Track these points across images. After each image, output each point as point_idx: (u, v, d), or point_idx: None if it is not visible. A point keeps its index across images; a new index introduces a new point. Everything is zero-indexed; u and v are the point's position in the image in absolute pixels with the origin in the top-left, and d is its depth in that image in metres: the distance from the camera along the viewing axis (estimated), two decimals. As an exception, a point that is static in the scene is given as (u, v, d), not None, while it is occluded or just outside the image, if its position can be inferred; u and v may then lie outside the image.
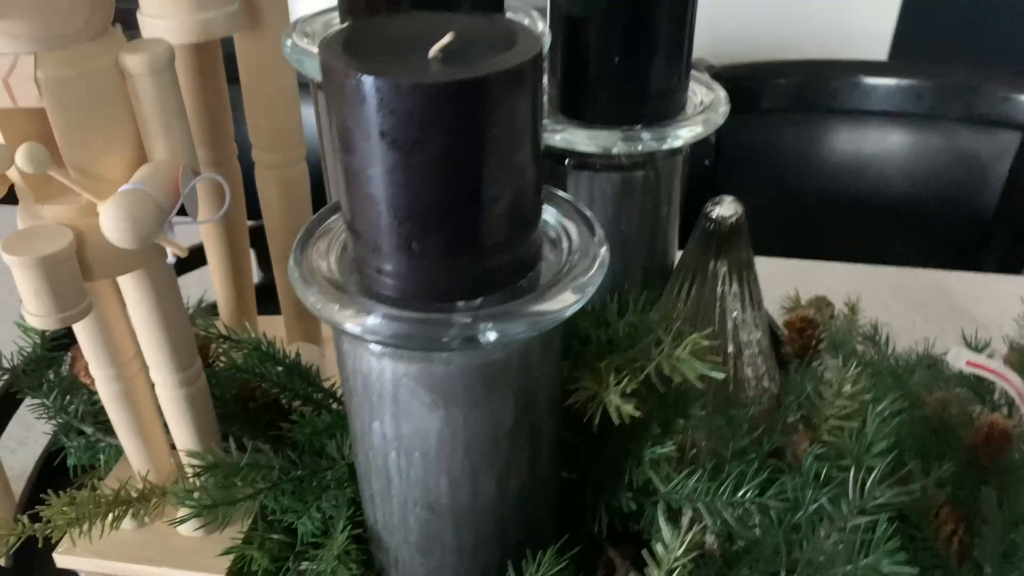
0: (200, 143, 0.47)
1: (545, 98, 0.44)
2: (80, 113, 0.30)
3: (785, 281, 0.74)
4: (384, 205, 0.28)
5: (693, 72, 0.45)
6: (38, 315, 0.32)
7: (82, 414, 0.45)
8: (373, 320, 0.29)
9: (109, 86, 0.31)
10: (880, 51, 1.82)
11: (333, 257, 0.32)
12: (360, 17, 0.37)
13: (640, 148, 0.41)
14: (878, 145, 1.08)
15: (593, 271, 0.31)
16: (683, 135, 0.42)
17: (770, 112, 1.06)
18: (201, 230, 0.50)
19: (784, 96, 1.05)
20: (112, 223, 0.30)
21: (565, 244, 0.33)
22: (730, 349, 0.40)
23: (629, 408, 0.33)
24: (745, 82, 1.04)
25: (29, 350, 0.48)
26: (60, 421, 0.46)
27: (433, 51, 0.28)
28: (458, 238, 0.29)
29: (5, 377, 0.46)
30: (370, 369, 0.31)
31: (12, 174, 0.32)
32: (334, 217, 0.33)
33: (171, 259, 0.33)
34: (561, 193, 0.35)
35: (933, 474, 0.42)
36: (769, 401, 0.41)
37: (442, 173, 0.27)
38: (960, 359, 0.54)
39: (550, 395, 0.34)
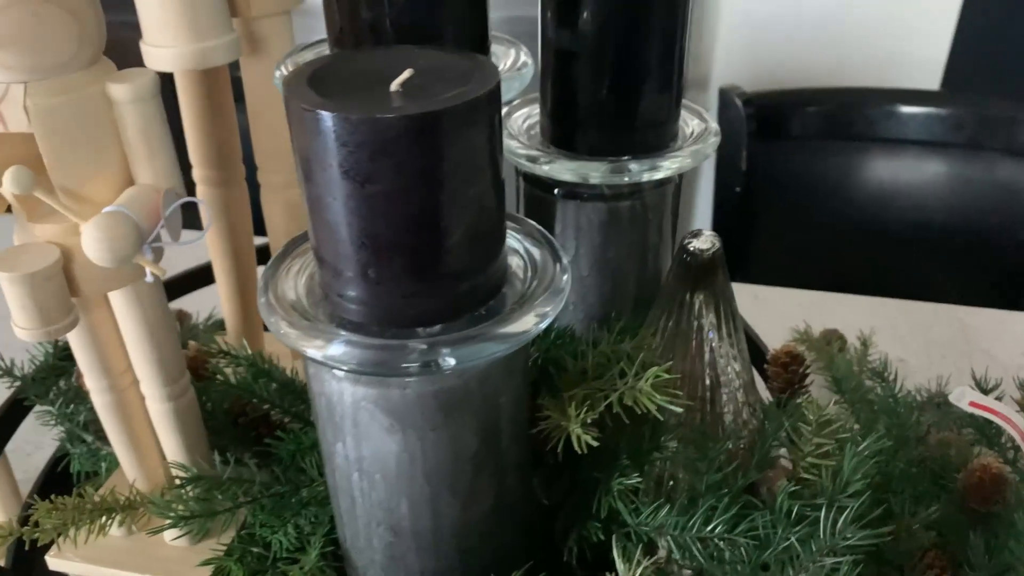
0: (207, 164, 0.49)
1: (537, 128, 0.45)
2: (67, 138, 0.32)
3: (800, 312, 0.73)
4: (342, 233, 0.29)
5: (686, 102, 0.45)
6: (25, 328, 0.33)
7: (84, 423, 0.47)
8: (333, 347, 0.29)
9: (96, 113, 0.32)
10: (932, 80, 1.79)
11: (303, 280, 0.33)
12: (347, 48, 0.38)
13: (626, 179, 0.41)
14: (916, 175, 1.06)
15: (554, 298, 0.32)
16: (670, 167, 0.42)
17: (802, 139, 1.05)
18: (209, 249, 0.52)
19: (817, 124, 1.04)
20: (92, 243, 0.31)
21: (530, 271, 0.33)
22: (707, 381, 0.40)
23: (588, 438, 0.33)
24: (776, 109, 1.03)
25: (41, 359, 0.50)
26: (65, 429, 0.48)
27: (394, 86, 0.29)
28: (414, 266, 0.29)
29: (16, 384, 0.48)
30: (332, 391, 0.32)
31: (6, 194, 0.33)
32: (305, 243, 0.34)
33: (149, 278, 0.34)
34: (528, 221, 0.35)
35: (919, 516, 0.42)
36: (749, 435, 0.41)
37: (394, 204, 0.28)
38: (964, 399, 0.52)
39: (515, 422, 0.35)
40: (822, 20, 1.72)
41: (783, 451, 0.41)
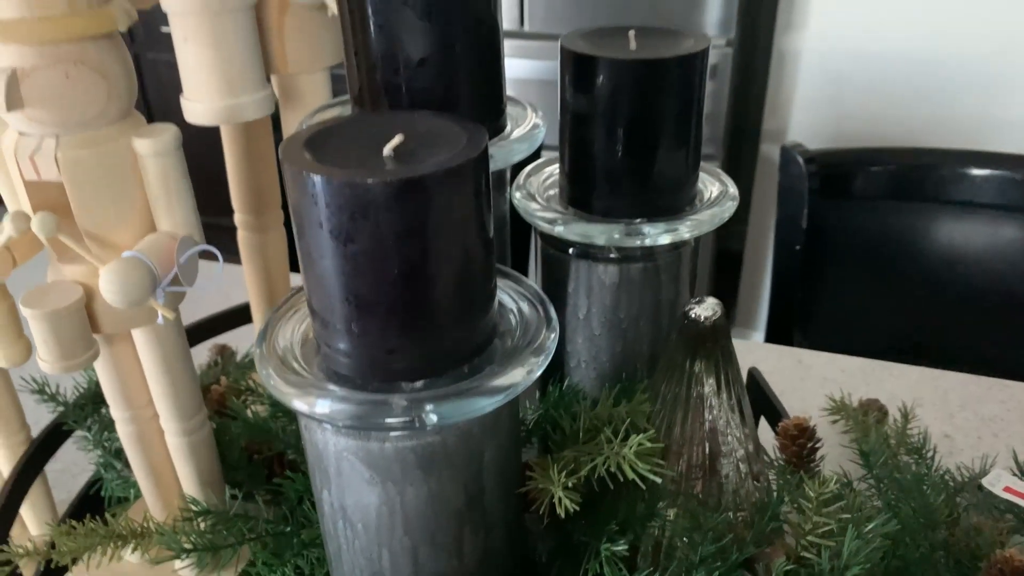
0: (247, 209, 0.51)
1: (556, 189, 0.46)
2: (93, 187, 0.34)
3: (845, 379, 0.71)
4: (329, 288, 0.30)
5: (705, 165, 0.45)
6: (47, 361, 0.36)
7: (115, 450, 0.49)
8: (319, 403, 0.31)
9: (121, 164, 0.35)
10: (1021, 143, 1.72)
11: (302, 328, 0.34)
12: (366, 106, 0.39)
13: (639, 243, 0.42)
14: (987, 240, 1.02)
15: (539, 358, 0.32)
16: (684, 231, 0.42)
17: (867, 199, 1.02)
18: (248, 288, 0.54)
19: (883, 183, 1.02)
20: (107, 287, 0.34)
21: (520, 330, 0.34)
22: (707, 449, 0.39)
23: (568, 502, 0.33)
24: (840, 167, 1.01)
25: (85, 386, 0.53)
26: (99, 454, 0.50)
27: (386, 150, 0.30)
28: (395, 323, 0.30)
29: (59, 410, 0.51)
30: (318, 440, 0.33)
31: (39, 236, 0.36)
32: (299, 297, 0.36)
33: (160, 321, 0.36)
34: (525, 280, 0.36)
35: (932, 606, 0.40)
36: (751, 507, 0.40)
37: (375, 263, 0.29)
38: (999, 483, 0.50)
39: (502, 478, 0.35)
40: (906, 76, 1.69)
41: (788, 525, 0.40)
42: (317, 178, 0.28)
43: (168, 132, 0.35)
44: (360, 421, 0.30)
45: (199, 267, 0.38)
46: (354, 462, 0.32)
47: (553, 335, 0.33)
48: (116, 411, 0.42)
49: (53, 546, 0.41)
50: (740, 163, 2.12)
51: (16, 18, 0.31)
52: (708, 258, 1.91)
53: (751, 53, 1.96)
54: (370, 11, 0.36)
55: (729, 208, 0.43)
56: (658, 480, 0.33)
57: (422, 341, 0.31)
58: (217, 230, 0.49)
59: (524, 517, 0.39)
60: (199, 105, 0.41)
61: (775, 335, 1.08)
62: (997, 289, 1.01)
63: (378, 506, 0.33)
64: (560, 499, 0.34)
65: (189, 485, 0.43)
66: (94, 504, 0.51)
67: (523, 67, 1.72)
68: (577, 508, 0.33)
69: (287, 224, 0.53)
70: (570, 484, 0.34)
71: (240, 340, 0.64)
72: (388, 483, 0.32)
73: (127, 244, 0.36)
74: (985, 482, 0.48)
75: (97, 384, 0.53)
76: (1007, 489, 0.47)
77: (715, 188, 0.45)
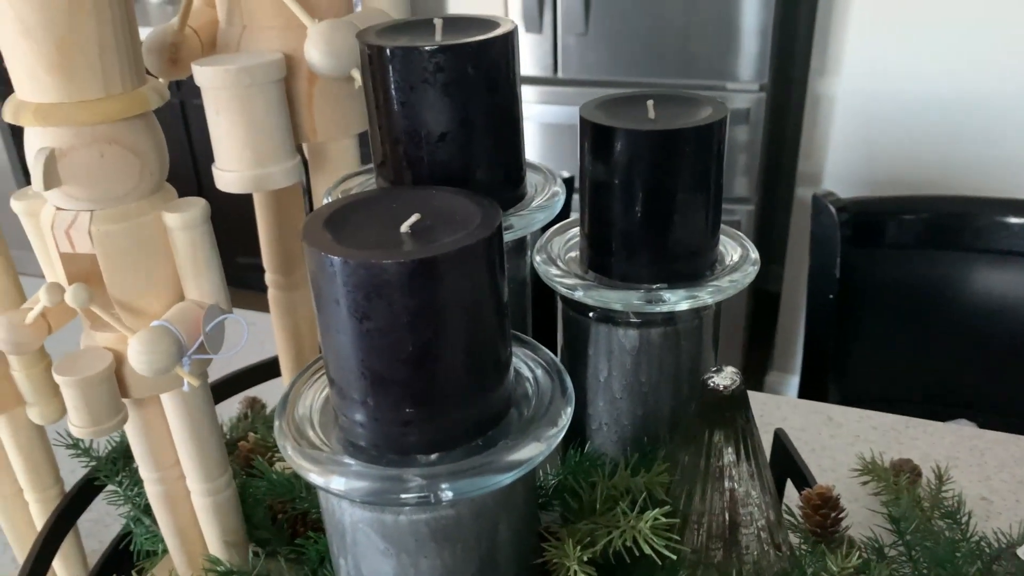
0: (277, 269, 0.53)
1: (577, 251, 0.46)
2: (125, 259, 0.36)
3: (877, 437, 0.70)
4: (346, 362, 0.31)
5: (726, 229, 0.46)
6: (78, 426, 0.37)
7: (144, 505, 0.50)
8: (336, 479, 0.31)
9: (152, 237, 0.36)
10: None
11: (321, 396, 0.35)
12: (388, 175, 0.40)
13: (658, 309, 0.42)
14: (1027, 290, 1.00)
15: (551, 431, 0.32)
16: (704, 297, 0.42)
17: (901, 247, 1.01)
18: (278, 349, 0.56)
19: (917, 231, 1.01)
20: (135, 355, 0.35)
21: (535, 399, 0.34)
22: (726, 519, 0.39)
23: (583, 576, 0.33)
24: (872, 216, 1.00)
25: (118, 439, 0.54)
26: (129, 509, 0.51)
27: (403, 227, 0.31)
28: (409, 398, 0.31)
29: (92, 464, 0.53)
30: (334, 510, 0.33)
31: (72, 305, 0.37)
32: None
33: (186, 388, 0.37)
34: (543, 349, 0.36)
35: None
36: (774, 579, 0.40)
37: (389, 340, 0.30)
38: (1035, 553, 0.48)
39: (515, 551, 0.35)
40: (941, 119, 1.67)
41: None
42: (335, 258, 0.29)
43: (197, 207, 0.36)
44: (375, 497, 0.31)
45: (225, 331, 0.39)
46: (369, 533, 0.33)
47: (569, 408, 0.33)
48: (145, 471, 0.43)
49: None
50: (775, 206, 2.11)
51: (56, 103, 0.33)
52: (745, 299, 1.90)
53: (785, 97, 1.96)
54: (393, 89, 0.38)
55: (750, 273, 0.43)
56: (673, 556, 0.32)
57: (436, 415, 0.31)
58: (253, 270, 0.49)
59: (541, 586, 0.39)
60: (230, 174, 0.43)
61: (809, 383, 1.07)
62: (1038, 340, 0.99)
63: (393, 577, 0.33)
64: (576, 572, 0.34)
65: (213, 544, 0.44)
66: (123, 557, 0.52)
67: (556, 113, 1.74)
68: (592, 582, 0.33)
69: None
70: (585, 558, 0.33)
71: (271, 393, 0.65)
72: (402, 554, 0.33)
73: (156, 313, 0.37)
74: (1021, 552, 0.47)
75: (127, 439, 0.54)
76: (1042, 560, 0.46)
77: (736, 252, 0.45)
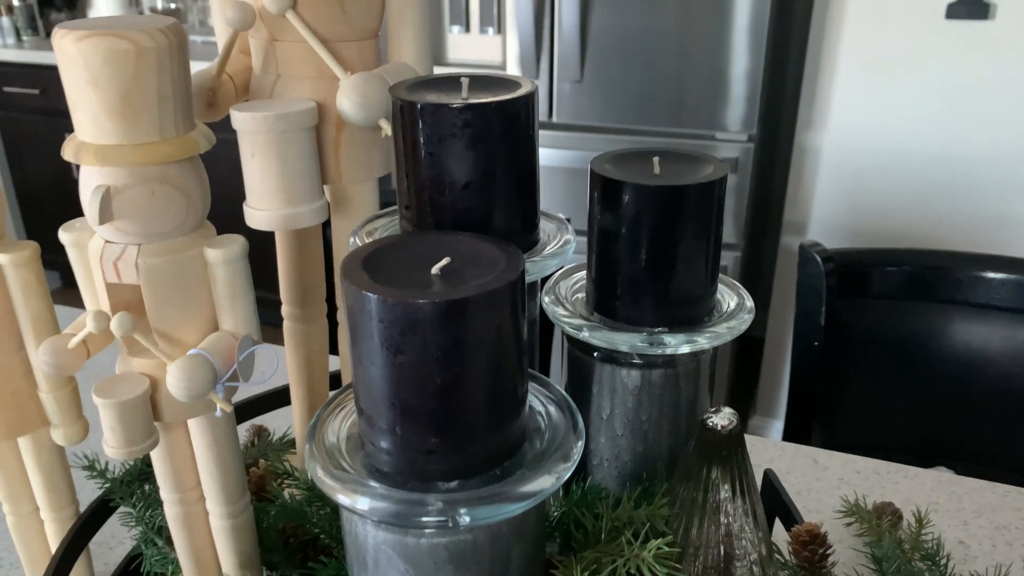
0: (294, 303, 0.55)
1: (582, 294, 0.49)
2: (167, 291, 0.38)
3: (860, 481, 0.72)
4: (376, 392, 0.33)
5: (724, 278, 0.48)
6: (113, 447, 0.39)
7: (158, 527, 0.52)
8: (360, 500, 0.33)
9: (193, 271, 0.38)
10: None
11: (348, 424, 0.38)
12: (412, 219, 0.43)
13: (660, 351, 0.45)
14: (1006, 343, 1.03)
15: (567, 463, 0.35)
16: (702, 342, 0.45)
17: (885, 298, 1.05)
18: (289, 375, 0.58)
19: (900, 283, 1.04)
20: (173, 382, 0.37)
21: (548, 433, 0.37)
22: (721, 552, 0.41)
23: (589, 601, 0.35)
24: (857, 267, 1.04)
25: (131, 463, 0.56)
26: (141, 530, 0.53)
27: (434, 269, 0.34)
28: (434, 428, 0.33)
29: (106, 486, 0.54)
30: (358, 532, 0.36)
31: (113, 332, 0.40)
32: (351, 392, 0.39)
33: (219, 414, 0.39)
34: (556, 387, 0.39)
35: None
36: (764, 611, 0.42)
37: (420, 374, 0.32)
38: (1010, 594, 0.51)
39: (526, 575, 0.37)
40: (925, 174, 1.73)
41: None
42: (373, 296, 0.31)
43: (237, 243, 0.39)
44: (397, 519, 0.33)
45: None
46: (391, 555, 0.35)
47: (580, 443, 0.36)
48: (166, 493, 0.45)
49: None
50: (761, 254, 2.15)
51: (114, 144, 0.35)
52: (730, 344, 1.93)
53: (772, 148, 2.02)
54: (422, 140, 0.40)
55: (746, 321, 0.46)
56: (674, 583, 0.35)
57: (458, 445, 0.34)
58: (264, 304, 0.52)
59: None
60: (261, 213, 0.45)
61: (793, 427, 1.09)
62: (1014, 391, 1.02)
63: (411, 597, 0.35)
64: (581, 597, 0.36)
65: (228, 566, 0.46)
66: (133, 577, 0.54)
67: (550, 156, 1.79)
68: (597, 607, 0.35)
69: (329, 316, 0.57)
70: (591, 584, 0.36)
71: (275, 421, 0.67)
72: (422, 576, 0.35)
73: (193, 342, 0.39)
74: (996, 593, 0.50)
75: (142, 462, 0.56)
76: (1016, 601, 0.49)
77: (732, 300, 0.48)
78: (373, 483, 0.34)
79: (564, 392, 0.39)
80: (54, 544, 0.52)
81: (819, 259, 1.02)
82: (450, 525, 0.33)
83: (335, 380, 0.61)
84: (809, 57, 1.78)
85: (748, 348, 2.12)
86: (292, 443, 0.63)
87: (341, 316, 0.55)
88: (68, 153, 0.36)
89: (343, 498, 0.33)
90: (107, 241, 0.38)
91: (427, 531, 0.34)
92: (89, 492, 0.54)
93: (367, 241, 0.46)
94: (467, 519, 0.33)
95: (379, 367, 0.33)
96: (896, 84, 1.70)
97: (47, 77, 2.37)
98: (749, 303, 0.47)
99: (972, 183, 1.70)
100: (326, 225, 0.54)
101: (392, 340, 0.32)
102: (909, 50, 1.66)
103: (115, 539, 0.64)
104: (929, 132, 1.70)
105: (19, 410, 0.47)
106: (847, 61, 1.72)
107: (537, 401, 0.39)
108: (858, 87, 1.73)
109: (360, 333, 0.33)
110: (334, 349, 0.58)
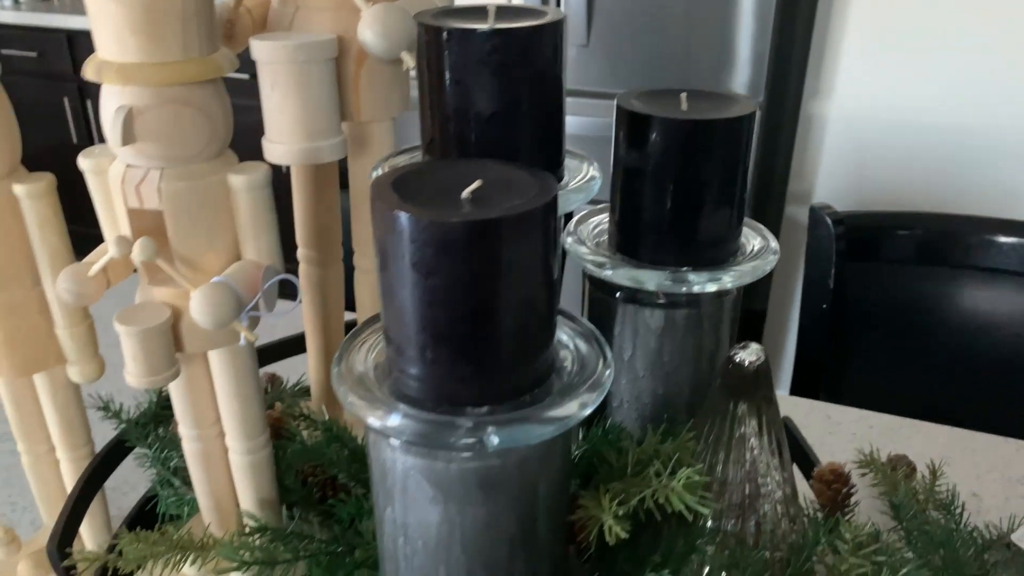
0: (310, 245, 0.55)
1: (606, 234, 0.49)
2: (190, 217, 0.37)
3: (873, 436, 0.72)
4: (407, 317, 0.33)
5: (750, 221, 0.48)
6: (134, 375, 0.38)
7: (175, 468, 0.52)
8: (391, 419, 0.33)
9: (216, 198, 0.38)
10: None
11: (373, 356, 0.37)
12: (436, 154, 0.43)
13: (684, 289, 0.44)
14: (1014, 307, 1.03)
15: (595, 391, 0.34)
16: (727, 280, 0.44)
17: (894, 262, 1.04)
18: (304, 320, 0.57)
19: (910, 247, 1.04)
20: (198, 308, 0.36)
21: (576, 365, 0.36)
22: (746, 489, 0.41)
23: (619, 530, 0.35)
24: (868, 230, 1.03)
25: (145, 406, 0.55)
26: (157, 472, 0.53)
27: (464, 193, 0.33)
28: (465, 352, 0.33)
29: (122, 427, 0.54)
30: (386, 459, 0.35)
31: (134, 259, 0.39)
32: (378, 323, 0.38)
33: (243, 343, 0.39)
34: (582, 320, 0.38)
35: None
36: (787, 548, 0.42)
37: (452, 296, 0.32)
38: (1027, 539, 0.51)
39: (551, 508, 0.37)
40: (929, 144, 1.72)
41: (823, 566, 0.41)
42: (405, 216, 0.31)
43: (260, 169, 0.38)
44: (428, 440, 0.33)
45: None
46: (420, 480, 0.34)
47: (608, 371, 0.36)
48: (184, 429, 0.44)
49: (112, 549, 0.43)
50: (765, 223, 2.14)
51: (137, 63, 0.34)
52: (732, 315, 1.93)
53: (778, 117, 2.00)
54: (447, 68, 0.40)
55: (771, 261, 0.46)
56: (705, 511, 0.34)
57: (489, 370, 0.33)
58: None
59: (568, 553, 0.40)
60: (280, 147, 0.45)
61: (799, 392, 1.09)
62: (1019, 354, 1.02)
63: (439, 524, 0.35)
64: (610, 527, 0.36)
65: (248, 503, 0.45)
66: (148, 520, 0.54)
67: (556, 122, 1.77)
68: (626, 536, 0.35)
69: (345, 260, 0.56)
70: (620, 513, 0.35)
71: (288, 370, 0.66)
72: (450, 502, 0.34)
73: (215, 270, 0.39)
74: (1015, 538, 0.50)
75: (157, 404, 0.56)
76: (1034, 545, 0.49)
77: (757, 242, 0.48)
78: (403, 406, 0.33)
79: (591, 325, 0.39)
80: (70, 484, 0.52)
81: (830, 222, 1.02)
82: (479, 446, 0.32)
83: (349, 328, 0.61)
84: (817, 25, 1.76)
85: (750, 321, 2.12)
86: (306, 391, 0.62)
87: (357, 260, 0.55)
88: (90, 72, 0.35)
89: (373, 420, 0.33)
90: (129, 165, 0.37)
91: (457, 457, 0.34)
92: (102, 436, 0.54)
93: (389, 175, 0.46)
94: (495, 440, 0.32)
95: (411, 291, 0.32)
96: (904, 53, 1.68)
97: (45, 39, 2.34)
98: (774, 244, 0.47)
99: (980, 154, 1.69)
100: (342, 168, 0.53)
101: (425, 262, 0.31)
102: (918, 19, 1.64)
103: (128, 484, 0.63)
104: (937, 102, 1.69)
105: (35, 347, 0.46)
106: (855, 29, 1.70)
107: (564, 334, 0.38)
108: (866, 56, 1.72)
109: (391, 257, 0.32)
110: (349, 299, 0.58)
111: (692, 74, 1.72)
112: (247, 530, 0.43)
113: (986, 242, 1.02)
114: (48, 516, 0.54)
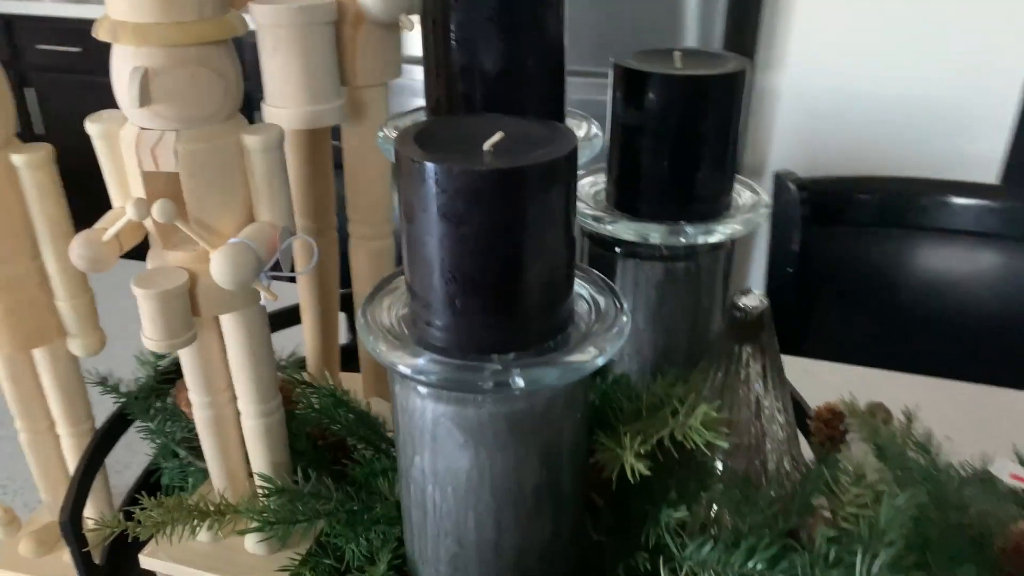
0: (304, 214, 0.55)
1: (603, 194, 0.50)
2: (206, 179, 0.37)
3: (849, 387, 0.75)
4: (436, 267, 0.34)
5: (739, 177, 0.50)
6: (153, 339, 0.38)
7: (179, 439, 0.52)
8: (421, 363, 0.34)
9: (231, 159, 0.38)
10: (989, 175, 1.81)
11: (395, 312, 0.38)
12: (441, 116, 0.43)
13: (683, 241, 0.46)
14: (968, 265, 1.08)
15: (615, 337, 0.36)
16: (723, 232, 0.46)
17: (855, 225, 1.08)
18: (299, 290, 0.57)
19: (870, 211, 1.07)
20: (219, 268, 0.37)
21: (594, 314, 0.37)
22: (753, 430, 0.43)
23: (641, 467, 0.37)
24: (830, 195, 1.06)
25: (143, 380, 0.55)
26: (160, 443, 0.53)
27: (486, 145, 0.34)
28: (495, 300, 0.34)
29: (122, 401, 0.54)
30: (415, 408, 0.36)
31: (148, 224, 0.39)
32: (397, 280, 0.39)
33: (263, 302, 0.39)
34: (594, 272, 0.39)
35: (959, 571, 0.43)
36: (791, 484, 0.44)
37: (482, 244, 0.33)
38: (1006, 470, 0.54)
39: (573, 453, 0.38)
40: (879, 114, 1.77)
41: (822, 500, 0.43)
42: (436, 167, 0.31)
43: (274, 130, 0.38)
44: (456, 383, 0.34)
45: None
46: (450, 427, 0.35)
47: (626, 318, 0.37)
48: (196, 396, 0.44)
49: (129, 517, 0.43)
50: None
51: (152, 23, 0.34)
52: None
53: (732, 90, 2.04)
54: (453, 26, 0.40)
55: (763, 214, 0.48)
56: (725, 444, 0.36)
57: (516, 317, 0.34)
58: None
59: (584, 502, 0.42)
60: (283, 111, 0.45)
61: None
62: (975, 310, 1.07)
63: (468, 470, 0.36)
64: (631, 465, 0.37)
65: (263, 466, 0.46)
66: (151, 492, 0.53)
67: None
68: (648, 473, 0.36)
69: (339, 230, 0.57)
70: (642, 451, 0.37)
71: (282, 341, 0.66)
72: (480, 448, 0.35)
73: (230, 232, 0.39)
74: (993, 469, 0.53)
75: (154, 378, 0.56)
76: (1013, 476, 0.52)
77: (748, 196, 0.49)
78: (430, 353, 0.34)
79: (603, 276, 0.40)
80: (71, 460, 0.52)
81: (794, 188, 1.04)
82: (506, 388, 0.33)
83: (346, 301, 0.61)
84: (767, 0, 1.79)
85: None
86: (301, 362, 0.63)
87: (353, 227, 0.55)
88: (103, 32, 0.35)
89: (403, 367, 0.34)
90: (142, 128, 0.37)
91: (487, 402, 0.35)
92: (98, 414, 0.53)
93: (393, 135, 0.46)
94: (520, 382, 0.33)
95: (439, 241, 0.33)
96: (855, 24, 1.73)
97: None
98: (765, 198, 0.49)
99: (930, 122, 1.74)
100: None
101: (456, 211, 0.32)
102: (865, -10, 1.69)
103: (121, 463, 0.63)
104: (887, 72, 1.74)
105: (35, 320, 0.46)
106: (806, 2, 1.74)
107: (579, 286, 0.40)
108: (817, 28, 1.76)
109: (419, 208, 0.33)
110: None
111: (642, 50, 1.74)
112: (265, 492, 0.44)
113: (940, 203, 1.06)
114: (48, 494, 0.53)
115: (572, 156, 0.33)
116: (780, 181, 1.06)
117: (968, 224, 1.06)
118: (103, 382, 0.54)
